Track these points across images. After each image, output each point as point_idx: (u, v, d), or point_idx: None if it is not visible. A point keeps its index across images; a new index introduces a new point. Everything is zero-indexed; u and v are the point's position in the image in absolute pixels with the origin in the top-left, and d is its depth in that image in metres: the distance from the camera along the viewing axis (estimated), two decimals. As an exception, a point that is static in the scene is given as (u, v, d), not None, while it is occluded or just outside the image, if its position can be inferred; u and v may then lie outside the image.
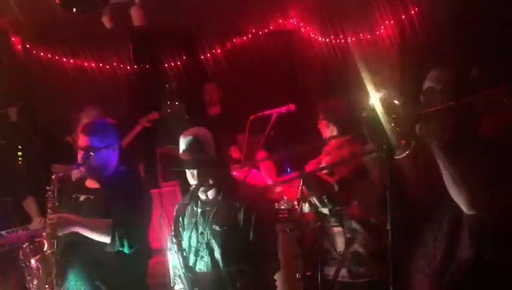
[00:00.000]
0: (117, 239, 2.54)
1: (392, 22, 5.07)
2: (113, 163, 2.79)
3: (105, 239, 2.57)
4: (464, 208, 1.80)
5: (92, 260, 2.62)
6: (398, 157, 1.70)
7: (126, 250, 2.57)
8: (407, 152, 1.70)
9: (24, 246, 2.57)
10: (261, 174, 3.84)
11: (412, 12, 4.60)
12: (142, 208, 2.71)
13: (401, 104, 1.68)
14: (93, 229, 2.57)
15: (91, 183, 2.81)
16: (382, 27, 5.21)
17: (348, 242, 2.88)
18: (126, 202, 2.60)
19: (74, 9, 2.61)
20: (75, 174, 3.36)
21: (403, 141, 1.69)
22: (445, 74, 1.99)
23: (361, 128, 1.75)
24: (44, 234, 2.54)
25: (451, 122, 1.87)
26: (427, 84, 2.00)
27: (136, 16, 4.06)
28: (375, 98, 1.68)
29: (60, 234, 2.53)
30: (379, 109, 1.66)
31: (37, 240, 2.56)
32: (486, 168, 1.79)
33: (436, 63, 2.07)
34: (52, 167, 4.21)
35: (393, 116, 1.67)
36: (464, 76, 1.98)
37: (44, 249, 2.54)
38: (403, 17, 4.78)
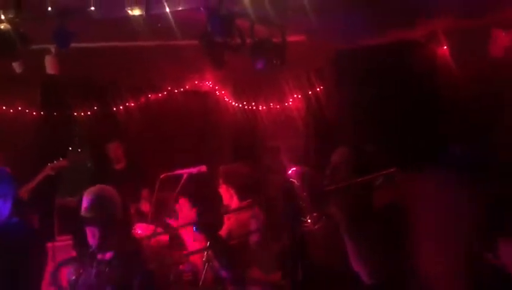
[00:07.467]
0: None
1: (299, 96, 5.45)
2: (4, 214, 2.64)
3: None
4: (365, 278, 1.95)
5: None
6: (309, 228, 1.83)
7: None
8: (317, 226, 1.84)
9: None
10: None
11: (318, 89, 4.99)
12: (32, 263, 2.58)
13: (316, 179, 1.83)
14: None
15: None
16: (291, 99, 5.58)
17: None
18: (14, 255, 2.48)
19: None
20: None
21: (315, 214, 1.83)
22: (350, 152, 2.16)
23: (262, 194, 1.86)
24: None
25: (351, 199, 2.03)
26: (334, 159, 2.16)
27: (50, 65, 3.98)
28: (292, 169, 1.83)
29: None
30: (297, 180, 1.79)
31: None
32: (382, 242, 1.96)
33: (341, 141, 2.26)
34: None
35: (308, 189, 1.81)
36: (364, 156, 2.16)
37: None
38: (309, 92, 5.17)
